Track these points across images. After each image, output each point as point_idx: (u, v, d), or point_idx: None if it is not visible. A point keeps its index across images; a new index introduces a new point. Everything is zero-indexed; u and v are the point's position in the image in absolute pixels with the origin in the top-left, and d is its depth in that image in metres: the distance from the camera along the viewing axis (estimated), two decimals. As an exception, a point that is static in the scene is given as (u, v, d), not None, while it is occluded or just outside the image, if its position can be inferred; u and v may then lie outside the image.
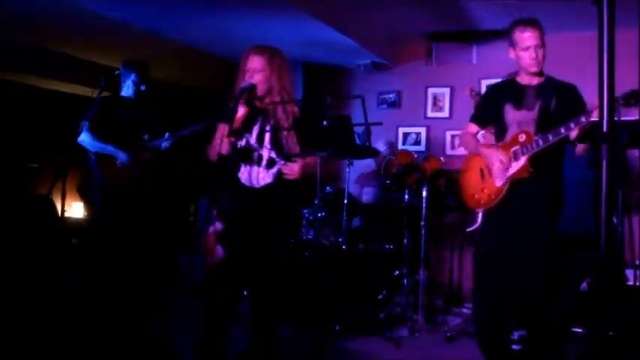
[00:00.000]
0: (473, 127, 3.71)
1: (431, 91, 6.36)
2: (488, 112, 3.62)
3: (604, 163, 1.76)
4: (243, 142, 3.31)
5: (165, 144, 4.69)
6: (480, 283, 3.65)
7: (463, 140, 3.85)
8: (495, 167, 3.43)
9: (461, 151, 6.16)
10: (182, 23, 5.27)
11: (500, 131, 3.52)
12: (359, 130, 5.33)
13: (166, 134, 4.68)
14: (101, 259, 4.52)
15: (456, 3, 5.19)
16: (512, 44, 3.42)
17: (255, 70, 3.25)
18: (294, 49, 5.82)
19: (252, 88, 3.22)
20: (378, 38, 6.12)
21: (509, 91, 3.51)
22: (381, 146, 5.72)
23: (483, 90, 5.99)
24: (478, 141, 3.71)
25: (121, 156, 4.56)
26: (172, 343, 3.62)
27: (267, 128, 3.30)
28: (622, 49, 1.80)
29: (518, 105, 3.43)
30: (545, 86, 3.41)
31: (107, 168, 4.56)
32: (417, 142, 6.38)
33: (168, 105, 7.17)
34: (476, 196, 3.57)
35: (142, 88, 4.72)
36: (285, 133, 3.28)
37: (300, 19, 4.94)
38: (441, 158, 5.30)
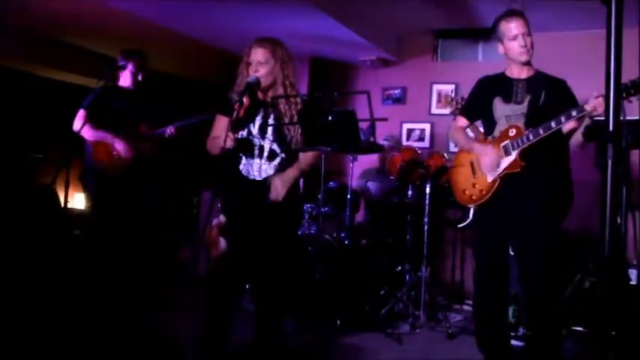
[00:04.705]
0: (462, 121, 3.68)
1: (436, 87, 6.35)
2: (478, 105, 3.58)
3: (609, 162, 1.75)
4: (244, 133, 3.32)
5: (168, 131, 4.71)
6: (477, 279, 3.64)
7: (453, 135, 3.82)
8: (484, 162, 3.41)
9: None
10: (189, 16, 5.27)
11: (489, 125, 3.49)
12: (362, 125, 5.31)
13: (175, 124, 4.72)
14: (102, 251, 4.54)
15: (463, 0, 5.18)
16: (500, 38, 3.39)
17: (259, 63, 3.25)
18: (302, 44, 5.82)
19: (258, 82, 3.23)
20: (385, 34, 6.11)
21: (498, 84, 3.47)
22: (382, 141, 5.72)
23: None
24: (468, 135, 3.68)
25: (118, 144, 4.58)
26: (174, 337, 3.63)
27: (270, 121, 3.31)
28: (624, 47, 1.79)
29: (508, 98, 3.40)
30: (535, 80, 3.38)
31: (103, 157, 4.58)
32: (421, 139, 6.37)
33: (171, 97, 7.19)
34: (467, 191, 3.55)
35: (139, 78, 4.74)
36: (289, 125, 3.29)
37: (309, 13, 4.94)
38: (445, 155, 5.29)
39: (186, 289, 5.13)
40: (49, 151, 6.58)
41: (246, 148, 3.31)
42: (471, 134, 3.69)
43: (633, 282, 4.25)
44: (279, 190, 3.25)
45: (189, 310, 3.74)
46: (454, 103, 4.33)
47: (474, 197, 3.50)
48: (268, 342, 3.35)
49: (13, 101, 6.61)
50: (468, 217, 3.60)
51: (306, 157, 3.37)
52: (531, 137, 3.24)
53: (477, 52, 6.31)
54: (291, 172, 3.31)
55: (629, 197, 3.51)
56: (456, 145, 5.97)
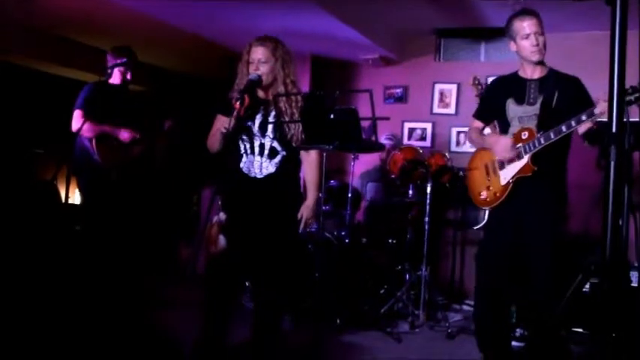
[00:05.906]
0: (478, 123, 3.69)
1: (438, 87, 6.33)
2: (491, 107, 3.58)
3: (612, 164, 1.74)
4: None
5: (167, 123, 4.82)
6: (479, 280, 3.64)
7: (469, 136, 3.83)
8: (498, 147, 3.39)
9: (466, 147, 6.16)
10: (190, 13, 5.26)
11: (503, 127, 3.49)
12: (364, 124, 5.30)
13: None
14: (99, 248, 4.53)
15: (466, 0, 5.17)
16: (512, 36, 3.38)
17: (260, 61, 3.25)
18: (303, 42, 5.81)
19: (259, 79, 3.22)
20: (387, 33, 6.10)
21: (511, 85, 3.46)
22: (383, 140, 5.71)
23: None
24: (484, 136, 3.68)
25: (123, 133, 4.57)
26: (171, 335, 3.62)
27: (270, 119, 3.30)
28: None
29: (520, 99, 3.39)
30: (547, 79, 3.36)
31: (107, 151, 4.55)
32: (423, 138, 6.36)
33: (170, 93, 7.19)
34: (482, 193, 3.55)
35: (128, 76, 4.73)
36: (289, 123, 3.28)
37: (311, 12, 4.92)
38: (446, 154, 5.28)
39: (185, 287, 5.14)
40: (50, 147, 6.57)
41: (244, 132, 3.30)
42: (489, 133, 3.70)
43: (634, 284, 4.24)
44: (308, 219, 3.34)
45: (188, 308, 3.74)
46: (480, 87, 4.32)
47: (488, 200, 3.51)
48: (267, 340, 3.35)
49: (14, 96, 6.60)
50: (483, 219, 3.60)
51: (313, 176, 3.40)
52: (543, 141, 3.23)
53: (480, 52, 6.29)
54: (311, 199, 3.36)
55: (631, 199, 3.50)
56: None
